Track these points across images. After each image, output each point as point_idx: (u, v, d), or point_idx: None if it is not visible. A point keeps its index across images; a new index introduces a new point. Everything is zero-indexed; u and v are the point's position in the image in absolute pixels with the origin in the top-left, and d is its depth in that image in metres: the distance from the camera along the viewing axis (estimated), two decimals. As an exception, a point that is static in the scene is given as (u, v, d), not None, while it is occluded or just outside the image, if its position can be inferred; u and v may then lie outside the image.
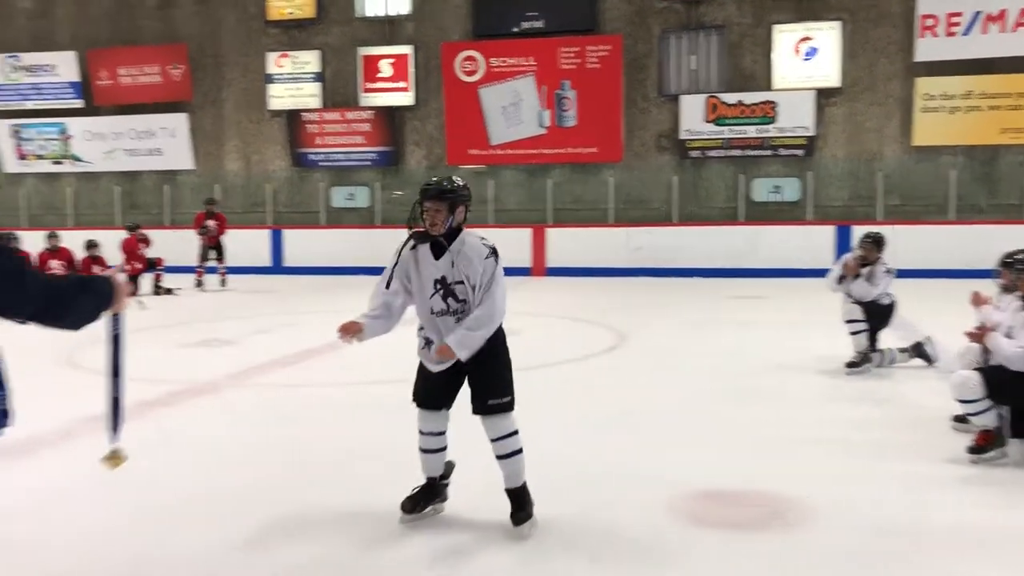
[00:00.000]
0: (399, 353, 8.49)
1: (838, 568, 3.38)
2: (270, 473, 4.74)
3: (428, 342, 3.88)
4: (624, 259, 16.74)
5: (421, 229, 3.82)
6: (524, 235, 17.37)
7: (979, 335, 4.82)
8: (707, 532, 3.77)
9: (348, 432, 5.60)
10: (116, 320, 2.89)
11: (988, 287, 5.52)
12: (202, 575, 3.40)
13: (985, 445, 4.68)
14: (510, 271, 15.84)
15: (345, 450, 5.15)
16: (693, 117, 17.14)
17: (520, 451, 3.89)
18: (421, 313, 3.92)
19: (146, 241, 14.37)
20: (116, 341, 2.91)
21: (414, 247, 3.88)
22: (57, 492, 4.40)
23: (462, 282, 3.80)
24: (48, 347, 8.59)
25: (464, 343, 3.71)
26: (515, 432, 3.88)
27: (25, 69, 20.02)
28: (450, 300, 3.81)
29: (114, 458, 2.95)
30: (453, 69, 18.03)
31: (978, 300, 5.51)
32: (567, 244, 17.21)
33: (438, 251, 3.83)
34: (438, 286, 3.82)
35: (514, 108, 17.91)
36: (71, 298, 2.53)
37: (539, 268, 17.20)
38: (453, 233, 3.85)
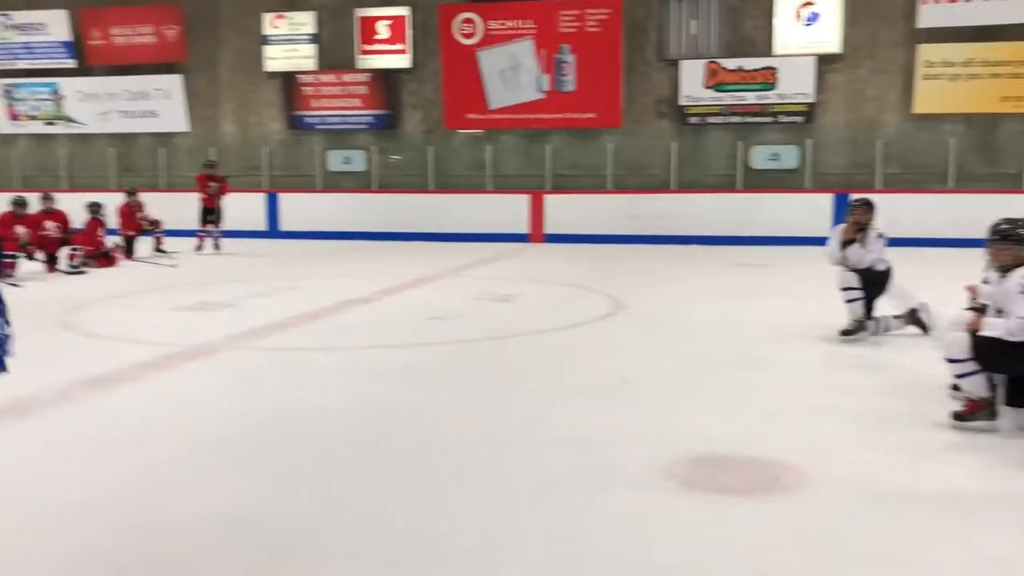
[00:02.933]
0: (393, 319, 8.52)
1: (832, 532, 3.40)
2: (267, 436, 4.73)
3: None
4: (623, 226, 16.68)
5: None
6: (522, 201, 17.29)
7: (974, 326, 4.72)
8: (704, 496, 3.78)
9: (343, 395, 5.59)
10: None
11: (981, 257, 5.46)
12: (201, 534, 3.40)
13: (971, 413, 4.67)
14: (507, 237, 15.93)
15: (340, 412, 5.15)
16: (693, 83, 17.00)
17: None
18: None
19: (139, 207, 14.23)
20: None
21: None
22: (55, 450, 4.39)
23: None
24: (41, 309, 8.59)
25: None
26: None
27: (16, 27, 19.76)
28: None
29: None
30: (451, 31, 17.82)
31: (974, 293, 5.42)
32: (565, 210, 17.14)
33: None
34: None
35: (513, 72, 17.74)
36: None
37: (537, 234, 17.14)
38: None
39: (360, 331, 7.98)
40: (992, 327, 4.59)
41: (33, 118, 20.19)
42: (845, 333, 7.22)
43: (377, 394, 5.61)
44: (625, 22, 17.23)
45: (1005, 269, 4.70)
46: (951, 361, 4.75)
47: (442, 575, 3.07)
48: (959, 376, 4.78)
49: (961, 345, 4.65)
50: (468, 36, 17.78)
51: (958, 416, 4.69)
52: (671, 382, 5.90)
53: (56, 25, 19.58)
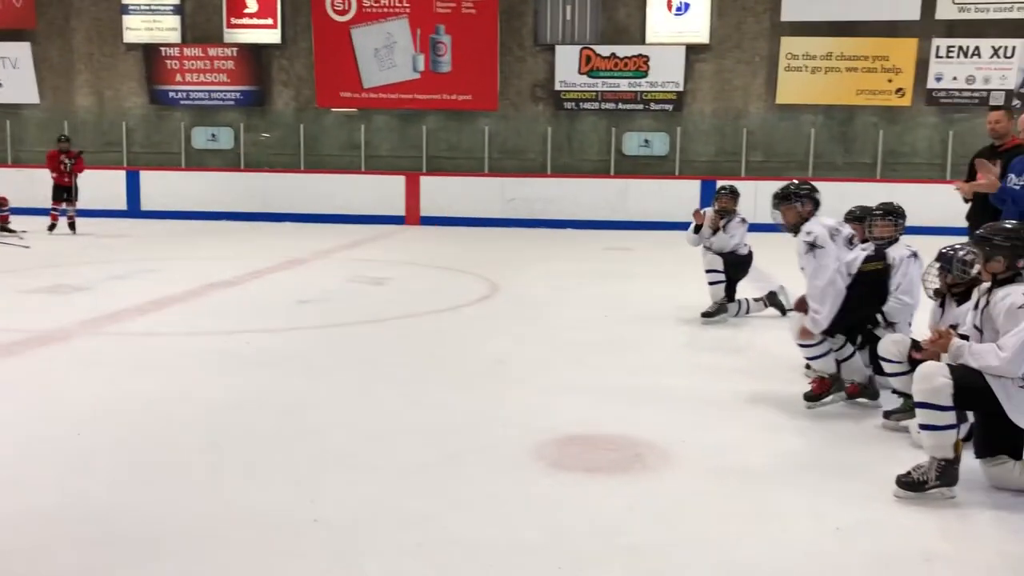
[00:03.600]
0: (261, 303, 8.26)
1: (690, 508, 3.51)
2: (126, 426, 4.50)
3: None
4: (499, 210, 16.75)
5: None
6: (398, 182, 17.12)
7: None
8: (569, 475, 3.83)
9: (207, 383, 5.38)
10: None
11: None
12: (44, 527, 3.20)
13: (821, 393, 4.91)
14: (382, 219, 15.76)
15: (203, 400, 4.96)
16: (568, 68, 17.19)
17: None
18: None
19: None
20: None
21: None
22: None
23: None
24: None
25: None
26: None
27: None
28: None
29: None
30: (324, 7, 17.42)
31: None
32: (442, 193, 17.07)
33: None
34: None
35: (387, 51, 17.49)
36: None
37: (412, 216, 17.01)
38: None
39: (226, 315, 7.71)
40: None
41: None
42: (706, 315, 7.47)
43: (243, 380, 5.42)
44: (501, 5, 17.25)
45: (795, 229, 5.02)
46: (802, 346, 4.99)
47: (304, 565, 2.99)
48: (811, 358, 5.03)
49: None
50: (341, 13, 17.39)
51: (809, 397, 4.92)
52: (544, 364, 5.96)
53: None
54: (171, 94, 18.12)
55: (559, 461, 3.99)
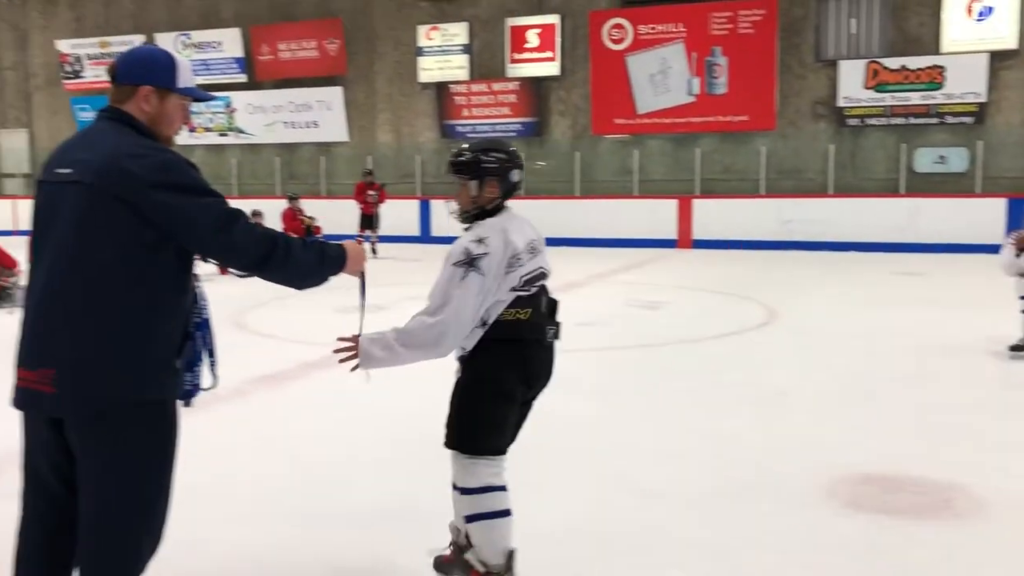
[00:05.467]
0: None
1: (1016, 564, 3.22)
2: (426, 438, 4.90)
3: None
4: (775, 232, 16.24)
5: None
6: (670, 206, 17.12)
7: None
8: (867, 517, 3.66)
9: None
10: (361, 285, 2.92)
11: None
12: (365, 527, 3.58)
13: None
14: (655, 242, 15.74)
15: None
16: (852, 83, 16.34)
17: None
18: None
19: (300, 211, 15.04)
20: (361, 305, 2.98)
21: None
22: (231, 446, 4.72)
23: None
24: (216, 309, 9.19)
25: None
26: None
27: (195, 46, 21.23)
28: None
29: None
30: (600, 38, 17.86)
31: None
32: (715, 215, 16.84)
33: None
34: None
35: (662, 76, 17.59)
36: (286, 255, 2.48)
37: (685, 240, 16.93)
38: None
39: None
40: None
41: (208, 130, 21.65)
42: (1016, 348, 6.79)
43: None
44: (780, 22, 16.77)
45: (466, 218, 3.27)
46: None
47: (600, 582, 3.11)
48: None
49: None
50: (618, 42, 17.76)
51: None
52: (829, 395, 5.72)
53: (230, 42, 20.92)
54: (459, 128, 19.43)
55: (854, 501, 3.83)
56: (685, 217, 17.04)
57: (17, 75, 24.21)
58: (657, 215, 17.11)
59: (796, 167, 17.10)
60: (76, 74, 22.79)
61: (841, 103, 16.51)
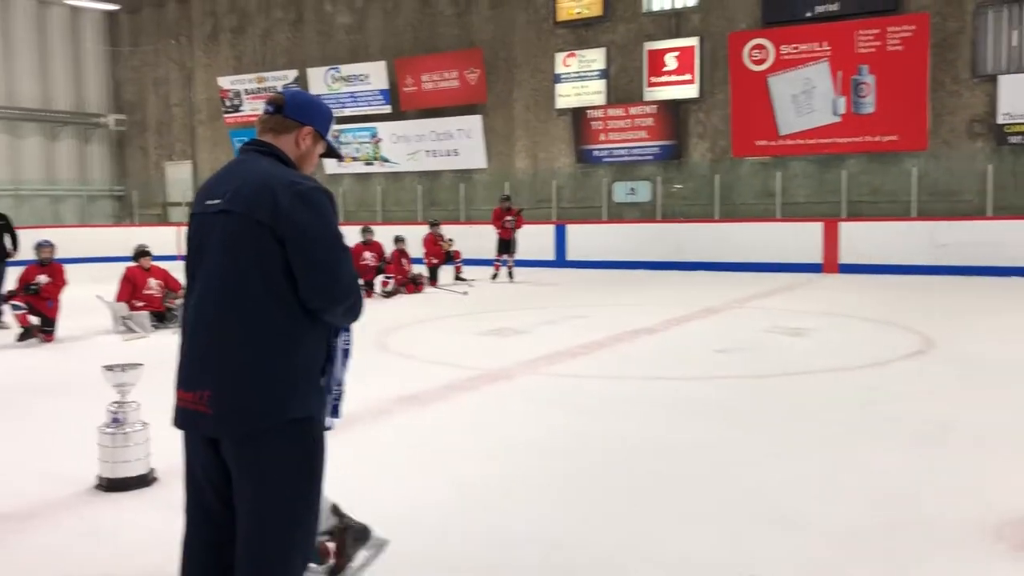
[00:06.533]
0: (680, 350, 8.47)
1: None
2: (562, 461, 4.90)
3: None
4: (928, 256, 15.42)
5: None
6: (815, 229, 16.57)
7: None
8: (1040, 563, 3.40)
9: (632, 425, 5.65)
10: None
11: None
12: (506, 548, 3.60)
13: None
14: (798, 267, 15.29)
15: (630, 441, 5.22)
16: (1014, 99, 15.40)
17: None
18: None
19: (441, 237, 15.42)
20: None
21: None
22: (376, 466, 4.86)
23: None
24: (360, 331, 9.51)
25: None
26: None
27: (343, 79, 22.23)
28: None
29: None
30: (741, 59, 17.56)
31: None
32: (863, 239, 16.17)
33: None
34: None
35: (805, 96, 17.11)
36: (350, 310, 2.52)
37: (831, 264, 16.32)
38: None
39: (647, 361, 8.04)
40: None
41: (355, 159, 22.57)
42: None
43: (666, 427, 5.62)
44: (933, 38, 16.01)
45: None
46: None
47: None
48: None
49: None
50: (759, 62, 17.40)
51: None
52: (999, 432, 5.35)
53: (376, 75, 21.79)
54: (595, 152, 19.48)
55: (1024, 543, 3.56)
56: (831, 240, 16.43)
57: (183, 111, 26.03)
58: (801, 238, 16.58)
59: (950, 188, 16.22)
60: (235, 108, 24.28)
61: (1001, 120, 15.57)
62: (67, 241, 14.38)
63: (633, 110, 18.87)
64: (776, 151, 17.63)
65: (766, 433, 5.45)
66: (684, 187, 18.66)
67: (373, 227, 14.71)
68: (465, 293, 13.82)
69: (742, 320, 10.63)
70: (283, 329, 2.40)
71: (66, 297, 9.89)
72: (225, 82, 24.33)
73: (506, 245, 15.73)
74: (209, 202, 2.49)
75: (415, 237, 15.37)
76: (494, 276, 15.79)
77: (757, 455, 4.97)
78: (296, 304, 2.41)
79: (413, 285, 14.05)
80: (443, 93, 20.96)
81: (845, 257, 16.23)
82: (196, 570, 2.54)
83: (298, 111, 2.58)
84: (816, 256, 16.45)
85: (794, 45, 17.05)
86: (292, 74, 22.90)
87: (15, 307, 9.58)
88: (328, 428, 2.57)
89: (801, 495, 4.25)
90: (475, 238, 17.23)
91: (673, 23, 18.49)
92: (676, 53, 18.36)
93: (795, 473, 4.62)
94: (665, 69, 18.50)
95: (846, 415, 5.88)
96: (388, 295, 13.30)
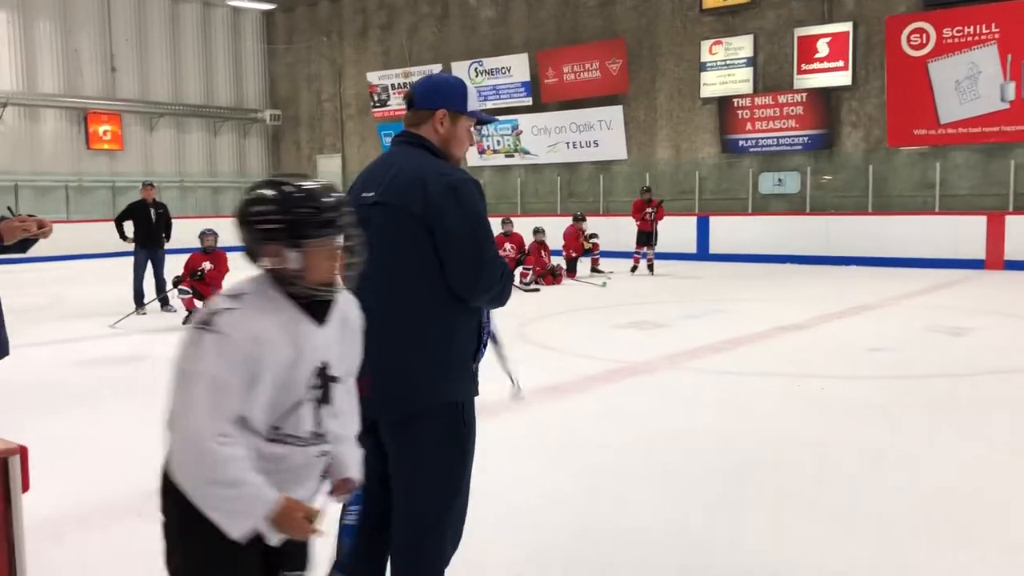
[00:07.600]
0: (831, 348, 8.14)
1: None
2: (705, 457, 4.82)
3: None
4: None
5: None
6: (978, 223, 15.57)
7: None
8: None
9: (781, 423, 5.49)
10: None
11: None
12: (643, 544, 3.58)
13: None
14: (958, 263, 14.47)
15: (778, 440, 5.07)
16: None
17: None
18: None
19: (583, 232, 15.41)
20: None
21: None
22: (517, 451, 4.92)
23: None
24: (503, 322, 9.64)
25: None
26: None
27: (486, 72, 22.53)
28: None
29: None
30: (898, 44, 16.66)
31: None
32: (1032, 234, 15.07)
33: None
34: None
35: (970, 82, 16.07)
36: (498, 296, 2.57)
37: (995, 260, 15.29)
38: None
39: (796, 359, 7.78)
40: None
41: (496, 151, 22.86)
42: None
43: (819, 426, 5.42)
44: (1120, 15, 14.72)
45: None
46: None
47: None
48: None
49: None
50: (918, 47, 16.47)
51: None
52: None
53: (518, 67, 21.97)
54: (741, 142, 18.97)
55: None
56: (996, 235, 15.39)
57: (333, 105, 27.08)
58: (962, 233, 15.61)
59: None
60: (383, 103, 25.06)
61: None
62: (226, 230, 15.20)
63: (782, 98, 18.24)
64: (936, 140, 16.64)
65: (922, 436, 5.19)
66: (835, 178, 17.91)
67: (513, 219, 14.86)
68: (604, 285, 13.77)
69: (898, 318, 10.11)
70: (439, 317, 2.48)
71: (229, 283, 10.49)
72: (373, 77, 25.13)
73: (646, 237, 15.56)
74: (364, 194, 2.56)
75: (554, 229, 15.42)
76: (633, 268, 15.65)
77: (912, 457, 4.73)
78: (449, 292, 2.47)
79: (552, 276, 14.12)
80: (584, 84, 20.91)
81: (1012, 253, 15.16)
82: (352, 555, 2.63)
83: (425, 99, 2.63)
84: (979, 252, 15.44)
85: (958, 28, 16.02)
86: (437, 68, 23.40)
87: (182, 291, 10.26)
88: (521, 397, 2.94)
89: (963, 507, 4.02)
90: (613, 230, 17.11)
91: (825, 8, 17.73)
92: (828, 39, 17.60)
93: (953, 478, 4.37)
94: (816, 56, 17.77)
95: (1013, 420, 5.51)
96: (527, 287, 13.38)
